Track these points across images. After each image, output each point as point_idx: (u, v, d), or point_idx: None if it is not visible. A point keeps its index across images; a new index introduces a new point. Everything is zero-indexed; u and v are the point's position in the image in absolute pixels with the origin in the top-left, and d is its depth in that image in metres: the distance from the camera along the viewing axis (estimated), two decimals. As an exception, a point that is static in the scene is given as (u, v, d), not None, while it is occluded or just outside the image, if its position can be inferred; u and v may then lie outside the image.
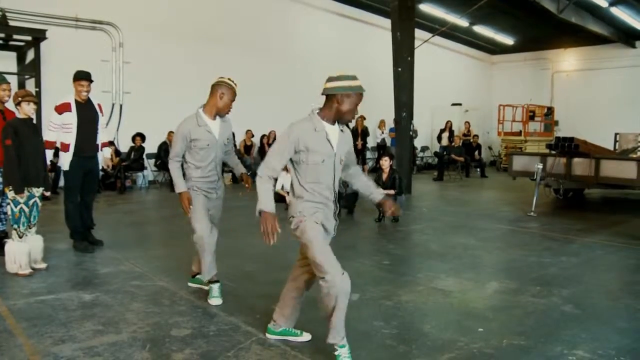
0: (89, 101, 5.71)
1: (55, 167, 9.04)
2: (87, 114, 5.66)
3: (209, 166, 4.14)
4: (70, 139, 5.53)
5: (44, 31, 9.88)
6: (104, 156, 5.99)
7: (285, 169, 3.30)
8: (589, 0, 14.31)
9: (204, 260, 4.08)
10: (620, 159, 9.09)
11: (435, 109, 19.04)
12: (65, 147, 5.54)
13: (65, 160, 5.57)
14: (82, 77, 5.59)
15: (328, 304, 2.94)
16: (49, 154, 5.92)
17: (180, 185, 4.07)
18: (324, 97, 3.07)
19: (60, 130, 5.54)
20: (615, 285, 4.94)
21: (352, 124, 14.42)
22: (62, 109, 5.51)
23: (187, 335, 3.48)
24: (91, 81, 5.66)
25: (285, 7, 14.70)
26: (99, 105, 5.89)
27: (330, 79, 3.02)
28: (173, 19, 12.30)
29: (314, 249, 2.96)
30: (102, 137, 5.90)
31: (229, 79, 4.16)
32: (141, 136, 11.43)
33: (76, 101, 5.59)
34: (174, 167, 4.13)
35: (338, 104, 3.00)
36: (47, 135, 5.54)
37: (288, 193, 7.74)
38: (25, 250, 4.82)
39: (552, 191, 10.27)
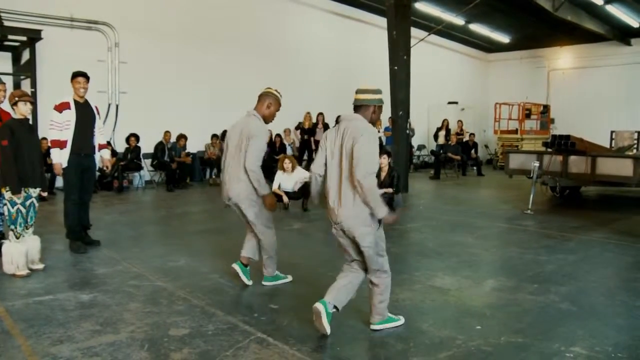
0: (86, 102, 5.80)
1: (51, 167, 9.02)
2: (85, 114, 5.75)
3: None
4: (68, 135, 5.59)
5: (39, 31, 9.86)
6: (104, 157, 6.04)
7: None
8: (585, -2, 14.36)
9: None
10: (616, 157, 9.12)
11: (431, 108, 19.07)
12: (63, 144, 5.58)
13: (63, 158, 5.60)
14: (78, 74, 5.72)
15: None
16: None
17: (267, 188, 4.28)
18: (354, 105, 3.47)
19: (61, 128, 5.59)
20: (612, 282, 4.95)
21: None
22: (62, 107, 5.59)
23: (185, 334, 3.48)
24: (87, 78, 5.76)
25: (283, 7, 14.69)
26: (96, 107, 5.97)
27: (367, 91, 3.44)
28: (169, 19, 12.28)
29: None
30: (100, 139, 5.97)
31: (276, 90, 4.42)
32: (135, 136, 11.39)
33: (75, 101, 5.67)
34: (260, 170, 4.20)
35: (374, 113, 3.46)
36: (51, 134, 5.61)
37: (285, 193, 7.77)
38: (22, 251, 4.81)
39: (548, 189, 10.31)
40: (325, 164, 3.48)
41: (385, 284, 3.53)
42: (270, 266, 4.56)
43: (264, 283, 4.57)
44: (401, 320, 3.65)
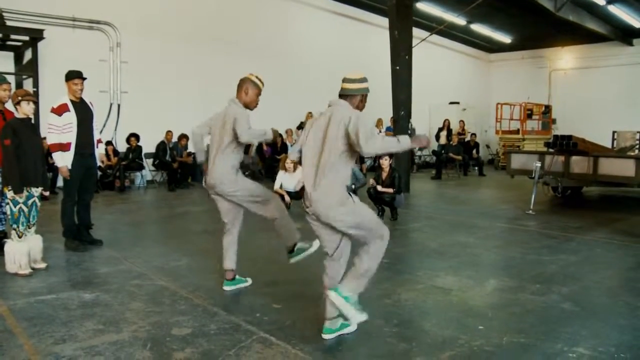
0: (82, 100, 5.77)
1: (52, 167, 9.04)
2: (83, 112, 5.72)
3: None
4: (72, 137, 5.56)
5: (41, 31, 9.86)
6: (99, 152, 6.02)
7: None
8: (586, -2, 14.34)
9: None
10: (618, 157, 9.10)
11: (433, 108, 19.05)
12: (67, 147, 5.55)
13: (67, 159, 5.57)
14: (75, 75, 5.66)
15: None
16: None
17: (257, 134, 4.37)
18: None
19: (61, 131, 5.54)
20: (615, 282, 4.95)
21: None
22: (61, 109, 5.55)
23: (187, 334, 3.49)
24: (84, 79, 5.72)
25: (284, 7, 14.69)
26: (91, 103, 5.94)
27: (354, 81, 3.41)
28: (170, 19, 12.28)
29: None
30: (95, 135, 5.94)
31: (256, 77, 4.43)
32: (135, 136, 11.41)
33: (71, 101, 5.65)
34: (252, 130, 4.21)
35: (361, 102, 3.45)
36: (50, 138, 5.54)
37: (287, 192, 7.77)
38: (24, 250, 4.81)
39: (550, 189, 10.29)
40: (301, 151, 3.44)
41: (374, 252, 3.32)
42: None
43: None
44: (363, 316, 3.36)
